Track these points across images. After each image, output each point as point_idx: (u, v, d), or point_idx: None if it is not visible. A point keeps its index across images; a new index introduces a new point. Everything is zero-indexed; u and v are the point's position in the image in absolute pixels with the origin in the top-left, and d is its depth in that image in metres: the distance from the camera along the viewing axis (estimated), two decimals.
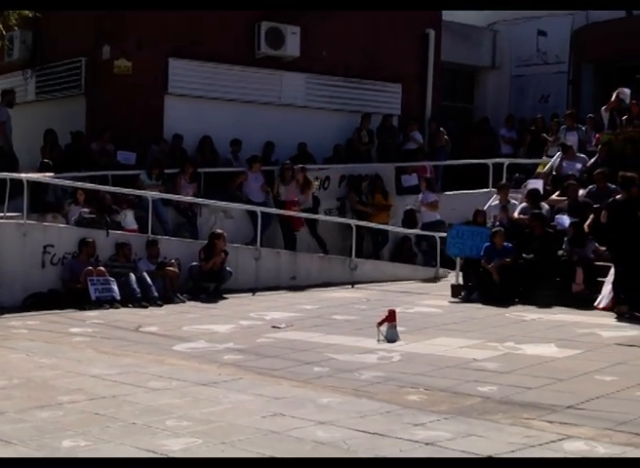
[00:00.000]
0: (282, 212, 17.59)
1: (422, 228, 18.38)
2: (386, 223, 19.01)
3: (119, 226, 15.62)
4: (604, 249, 13.76)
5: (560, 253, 13.93)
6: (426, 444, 6.60)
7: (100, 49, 18.53)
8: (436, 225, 18.23)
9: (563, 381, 8.76)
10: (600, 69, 25.79)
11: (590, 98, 24.55)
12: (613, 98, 18.21)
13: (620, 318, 12.15)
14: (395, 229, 18.98)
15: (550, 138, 20.03)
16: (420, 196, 18.86)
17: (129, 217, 15.87)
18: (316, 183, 18.41)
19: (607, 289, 12.92)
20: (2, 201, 14.98)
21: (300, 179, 17.87)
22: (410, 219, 18.51)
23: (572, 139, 19.01)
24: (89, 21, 18.75)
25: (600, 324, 11.83)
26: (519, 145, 21.76)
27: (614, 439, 6.82)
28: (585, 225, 14.24)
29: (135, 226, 15.78)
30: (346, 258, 17.47)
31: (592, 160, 17.45)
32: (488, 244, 14.33)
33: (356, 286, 16.58)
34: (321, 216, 18.59)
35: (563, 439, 6.80)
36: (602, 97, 20.92)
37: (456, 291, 14.66)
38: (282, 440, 6.73)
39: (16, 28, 17.22)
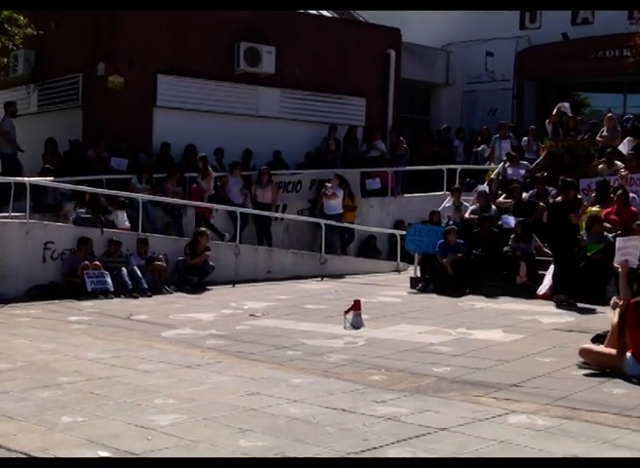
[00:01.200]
0: (258, 212, 17.60)
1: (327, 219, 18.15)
2: (352, 222, 19.05)
3: (112, 225, 15.55)
4: (544, 245, 13.84)
5: (506, 248, 14.00)
6: (387, 419, 6.65)
7: (95, 66, 18.48)
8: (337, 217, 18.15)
9: (508, 362, 8.84)
10: (540, 86, 26.02)
11: (532, 112, 24.78)
12: (555, 112, 18.33)
13: (559, 306, 12.26)
14: (360, 228, 19.04)
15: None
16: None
17: (121, 217, 15.80)
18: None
19: (547, 279, 13.00)
20: (7, 202, 14.97)
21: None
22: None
23: (505, 147, 19.22)
24: (85, 41, 18.70)
25: (541, 311, 11.93)
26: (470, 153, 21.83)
27: (551, 413, 6.89)
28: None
29: (127, 225, 15.71)
30: (317, 254, 17.51)
31: (535, 163, 17.58)
32: (442, 241, 14.38)
33: (325, 278, 16.63)
34: (293, 216, 18.65)
35: (507, 413, 6.86)
36: (542, 111, 21.09)
37: (414, 282, 14.73)
38: (258, 416, 6.75)
39: (20, 47, 17.04)
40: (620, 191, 13.82)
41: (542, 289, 13.02)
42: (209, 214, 17.01)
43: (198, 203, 16.72)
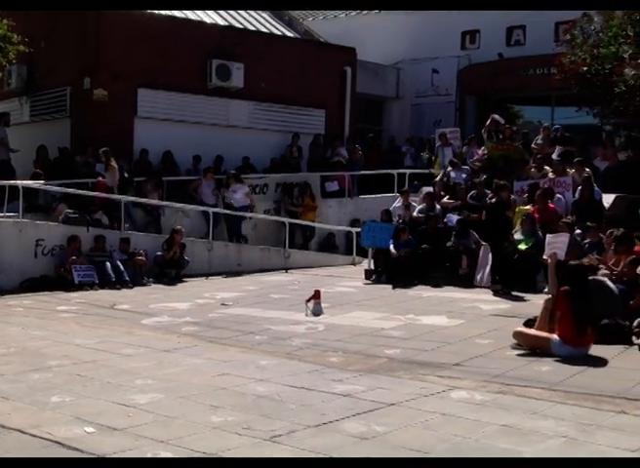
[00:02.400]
0: (228, 212, 17.53)
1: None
2: (313, 221, 19.06)
3: (98, 223, 15.46)
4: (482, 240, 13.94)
5: (449, 244, 14.08)
6: (344, 395, 6.69)
7: (81, 80, 18.34)
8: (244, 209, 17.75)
9: (451, 344, 8.92)
10: (479, 100, 26.22)
11: (472, 122, 24.93)
12: (489, 122, 18.45)
13: (496, 294, 12.34)
14: (320, 226, 19.08)
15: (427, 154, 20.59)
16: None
17: (104, 217, 15.71)
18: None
19: (485, 271, 13.09)
20: (1, 203, 14.84)
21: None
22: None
23: (448, 154, 19.38)
24: (72, 58, 18.55)
25: (480, 299, 12.01)
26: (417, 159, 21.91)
27: (488, 388, 6.98)
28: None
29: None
30: (281, 249, 17.48)
31: (474, 158, 17.73)
32: (392, 240, 14.43)
33: (289, 271, 16.59)
34: (260, 215, 18.61)
35: (450, 389, 6.94)
36: (481, 122, 21.19)
37: (368, 274, 14.75)
38: (228, 394, 6.77)
39: (13, 63, 16.96)
40: (539, 191, 13.96)
41: (482, 280, 13.12)
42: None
43: (103, 194, 16.06)
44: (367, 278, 14.66)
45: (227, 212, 17.48)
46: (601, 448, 5.35)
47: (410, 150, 22.20)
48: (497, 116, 18.51)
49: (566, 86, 16.00)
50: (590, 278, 9.41)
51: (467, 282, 13.28)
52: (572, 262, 9.20)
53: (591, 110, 16.12)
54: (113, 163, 16.25)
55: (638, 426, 5.86)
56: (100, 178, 16.08)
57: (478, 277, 13.13)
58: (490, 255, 12.98)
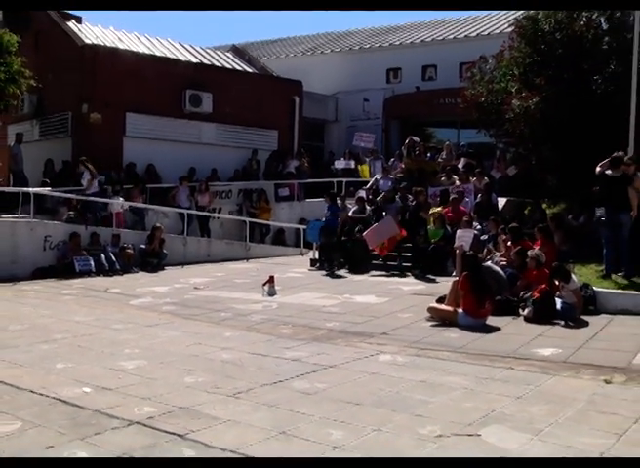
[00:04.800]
0: (200, 212, 17.49)
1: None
2: (268, 220, 19.06)
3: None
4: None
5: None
6: (292, 360, 6.72)
7: (80, 106, 18.18)
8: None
9: (378, 318, 8.99)
10: (401, 123, 26.40)
11: (396, 141, 25.05)
12: (407, 141, 18.49)
13: (415, 278, 12.43)
14: (273, 224, 19.08)
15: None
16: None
17: (116, 203, 15.91)
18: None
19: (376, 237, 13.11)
20: (16, 206, 14.87)
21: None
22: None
23: (377, 165, 19.53)
24: (73, 88, 18.35)
25: (402, 282, 12.09)
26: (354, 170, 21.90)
27: (408, 352, 7.08)
28: None
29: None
30: (243, 242, 17.42)
31: (396, 171, 17.85)
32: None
33: (249, 260, 16.54)
34: (226, 216, 18.59)
35: (377, 353, 7.01)
36: (403, 140, 21.30)
37: (313, 263, 14.74)
38: (200, 360, 6.75)
39: (25, 93, 16.94)
40: (452, 196, 14.11)
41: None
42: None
43: (104, 200, 15.88)
44: (312, 266, 14.66)
45: (199, 212, 17.47)
46: (493, 396, 5.49)
47: (347, 162, 22.16)
48: (414, 137, 18.65)
49: (468, 113, 16.16)
50: (484, 265, 9.63)
51: (390, 269, 13.32)
52: (468, 253, 9.39)
53: (488, 132, 16.30)
54: (91, 168, 15.99)
55: (522, 378, 6.02)
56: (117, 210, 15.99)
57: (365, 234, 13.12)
58: (388, 229, 12.94)
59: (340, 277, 13.08)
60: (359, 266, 13.63)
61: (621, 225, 9.71)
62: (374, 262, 13.55)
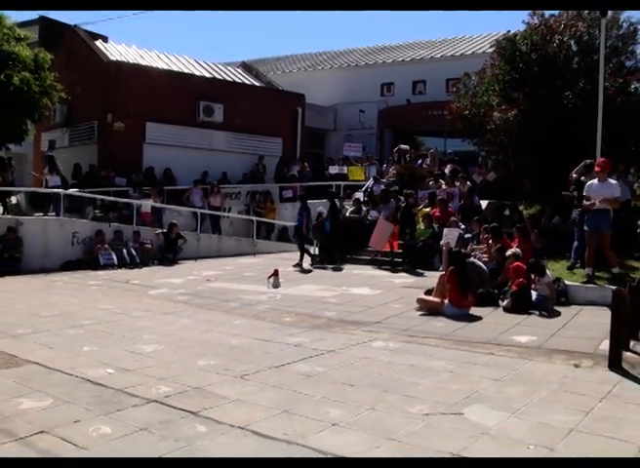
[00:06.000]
0: (211, 212, 17.47)
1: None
2: (274, 219, 19.06)
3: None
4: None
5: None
6: (295, 345, 6.71)
7: (105, 116, 18.33)
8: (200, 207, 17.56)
9: (372, 308, 8.96)
10: (394, 132, 26.35)
11: (389, 149, 24.93)
12: (396, 149, 18.44)
13: (405, 272, 12.38)
14: (278, 222, 19.06)
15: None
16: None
17: (144, 204, 16.03)
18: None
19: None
20: (48, 206, 15.05)
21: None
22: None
23: (372, 170, 19.51)
24: (99, 100, 18.47)
25: (394, 276, 12.04)
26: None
27: (398, 339, 7.06)
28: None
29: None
30: (250, 239, 17.42)
31: (388, 176, 17.81)
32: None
33: (256, 255, 16.48)
34: (235, 215, 18.58)
35: (371, 340, 7.00)
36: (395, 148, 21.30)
37: (313, 258, 14.67)
38: (211, 345, 6.74)
39: (57, 104, 16.97)
40: (440, 197, 14.11)
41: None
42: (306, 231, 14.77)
43: (124, 200, 15.97)
44: (313, 261, 14.62)
45: (210, 212, 17.50)
46: (475, 378, 5.49)
47: (341, 168, 22.12)
48: (402, 146, 18.61)
49: (454, 124, 16.11)
50: (468, 260, 9.62)
51: (384, 264, 13.31)
52: (453, 250, 9.39)
53: (471, 141, 16.27)
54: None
55: (501, 363, 6.02)
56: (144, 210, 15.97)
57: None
58: (386, 229, 12.83)
59: (339, 270, 13.06)
60: (357, 261, 13.59)
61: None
62: (367, 258, 13.53)
